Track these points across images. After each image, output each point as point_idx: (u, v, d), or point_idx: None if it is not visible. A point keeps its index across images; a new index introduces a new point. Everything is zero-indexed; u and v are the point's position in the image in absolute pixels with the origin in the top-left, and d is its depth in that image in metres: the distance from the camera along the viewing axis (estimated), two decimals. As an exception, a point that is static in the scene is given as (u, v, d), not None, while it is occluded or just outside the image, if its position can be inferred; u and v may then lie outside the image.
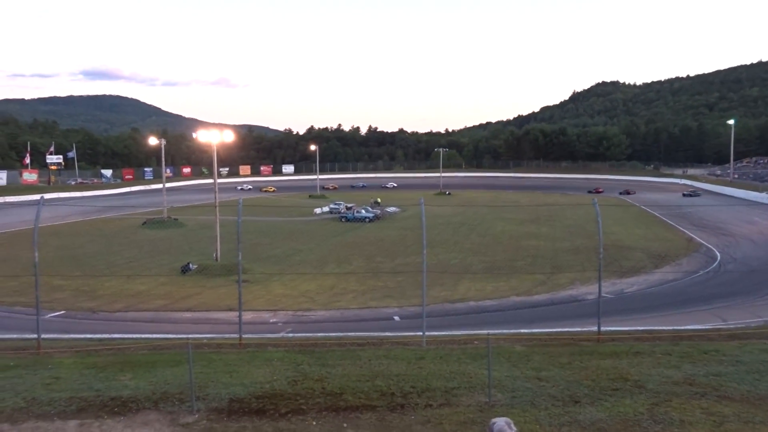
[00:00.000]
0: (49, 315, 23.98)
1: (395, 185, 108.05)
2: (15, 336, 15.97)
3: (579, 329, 15.61)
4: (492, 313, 25.22)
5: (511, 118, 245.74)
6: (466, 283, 31.18)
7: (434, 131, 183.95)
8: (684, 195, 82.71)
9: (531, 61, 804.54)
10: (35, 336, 12.65)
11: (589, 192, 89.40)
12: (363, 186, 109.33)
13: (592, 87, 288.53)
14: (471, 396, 9.12)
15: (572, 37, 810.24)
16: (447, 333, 15.10)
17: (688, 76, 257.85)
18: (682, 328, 15.45)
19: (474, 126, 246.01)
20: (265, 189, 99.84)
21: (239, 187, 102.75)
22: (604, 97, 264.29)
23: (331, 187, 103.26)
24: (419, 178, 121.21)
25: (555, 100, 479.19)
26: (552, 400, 8.97)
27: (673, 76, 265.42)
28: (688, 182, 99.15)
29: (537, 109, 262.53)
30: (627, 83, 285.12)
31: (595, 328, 13.54)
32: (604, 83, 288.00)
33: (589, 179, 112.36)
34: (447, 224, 53.01)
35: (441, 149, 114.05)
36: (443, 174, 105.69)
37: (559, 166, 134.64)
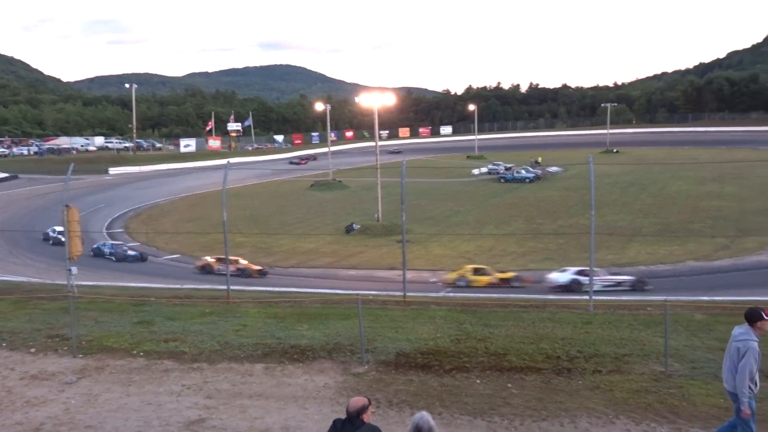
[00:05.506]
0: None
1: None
2: (208, 286, 18.00)
3: (771, 299, 14.03)
4: (665, 278, 23.61)
5: (691, 67, 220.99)
6: (635, 247, 29.38)
7: (601, 85, 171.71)
8: None
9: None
10: (225, 287, 14.13)
11: None
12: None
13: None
14: (644, 364, 8.65)
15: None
16: (616, 298, 14.40)
17: None
18: None
19: (647, 77, 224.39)
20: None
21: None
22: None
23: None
24: (584, 135, 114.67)
25: (745, 43, 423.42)
26: (739, 374, 8.20)
27: None
28: None
29: (722, 55, 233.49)
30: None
31: (792, 299, 12.11)
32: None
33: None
34: (614, 184, 49.88)
35: (608, 104, 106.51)
36: (611, 131, 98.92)
37: (749, 118, 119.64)
